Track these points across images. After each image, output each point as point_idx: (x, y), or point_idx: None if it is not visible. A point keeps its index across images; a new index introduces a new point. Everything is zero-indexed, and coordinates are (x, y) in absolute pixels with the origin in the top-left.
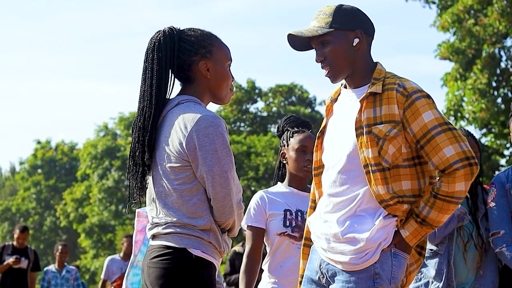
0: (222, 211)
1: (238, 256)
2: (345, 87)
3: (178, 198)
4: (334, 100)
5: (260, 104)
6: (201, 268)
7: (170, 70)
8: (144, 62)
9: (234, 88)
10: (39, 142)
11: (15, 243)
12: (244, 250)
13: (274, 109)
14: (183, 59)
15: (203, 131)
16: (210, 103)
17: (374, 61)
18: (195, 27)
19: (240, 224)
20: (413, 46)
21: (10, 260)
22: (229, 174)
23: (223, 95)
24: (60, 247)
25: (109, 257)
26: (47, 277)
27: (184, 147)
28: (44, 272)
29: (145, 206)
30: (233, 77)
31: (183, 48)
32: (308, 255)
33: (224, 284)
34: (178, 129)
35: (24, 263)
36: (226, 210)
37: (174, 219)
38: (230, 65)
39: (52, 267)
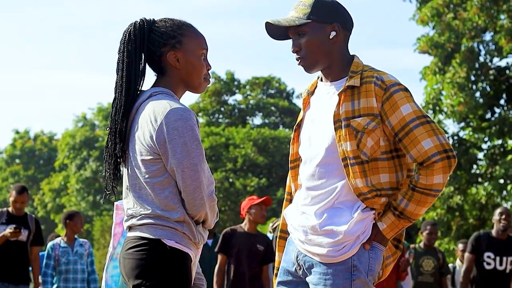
0: (193, 204)
1: None
2: (322, 80)
3: (151, 191)
4: (311, 93)
5: (239, 96)
6: (175, 258)
7: (142, 62)
8: (118, 54)
9: (213, 80)
10: (17, 132)
11: (11, 209)
12: None
13: (253, 101)
14: (153, 51)
15: (173, 124)
16: (187, 92)
17: (351, 53)
18: (168, 18)
19: (214, 216)
20: (392, 40)
21: (7, 231)
22: (199, 167)
23: (196, 84)
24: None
25: None
26: (54, 253)
27: (154, 140)
28: (49, 247)
29: (122, 198)
30: (209, 66)
31: (153, 39)
32: (284, 247)
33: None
34: (149, 122)
35: (24, 235)
36: (197, 203)
37: (148, 211)
38: (204, 54)
39: (60, 241)
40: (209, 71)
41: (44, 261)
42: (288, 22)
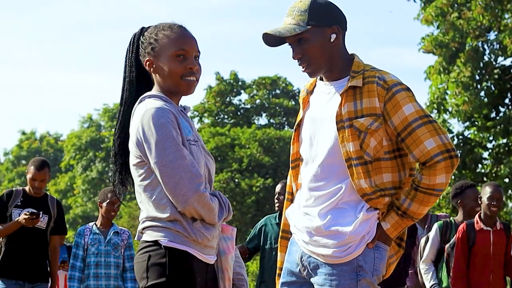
0: (176, 201)
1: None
2: (321, 79)
3: (143, 193)
4: (310, 92)
5: (244, 96)
6: (172, 257)
7: (135, 71)
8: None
9: (217, 81)
10: (24, 133)
11: (28, 188)
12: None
13: (258, 101)
14: (140, 60)
15: (147, 125)
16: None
17: (350, 53)
18: (160, 23)
19: (210, 211)
20: (397, 39)
21: (21, 216)
22: (175, 163)
23: (173, 87)
24: (110, 195)
25: None
26: (83, 241)
27: (135, 143)
28: (77, 233)
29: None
30: (190, 65)
31: (139, 48)
32: (286, 247)
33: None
34: (133, 126)
35: (43, 221)
36: (179, 200)
37: (146, 214)
38: (183, 54)
39: (92, 225)
40: (194, 70)
41: (72, 250)
42: (289, 32)
